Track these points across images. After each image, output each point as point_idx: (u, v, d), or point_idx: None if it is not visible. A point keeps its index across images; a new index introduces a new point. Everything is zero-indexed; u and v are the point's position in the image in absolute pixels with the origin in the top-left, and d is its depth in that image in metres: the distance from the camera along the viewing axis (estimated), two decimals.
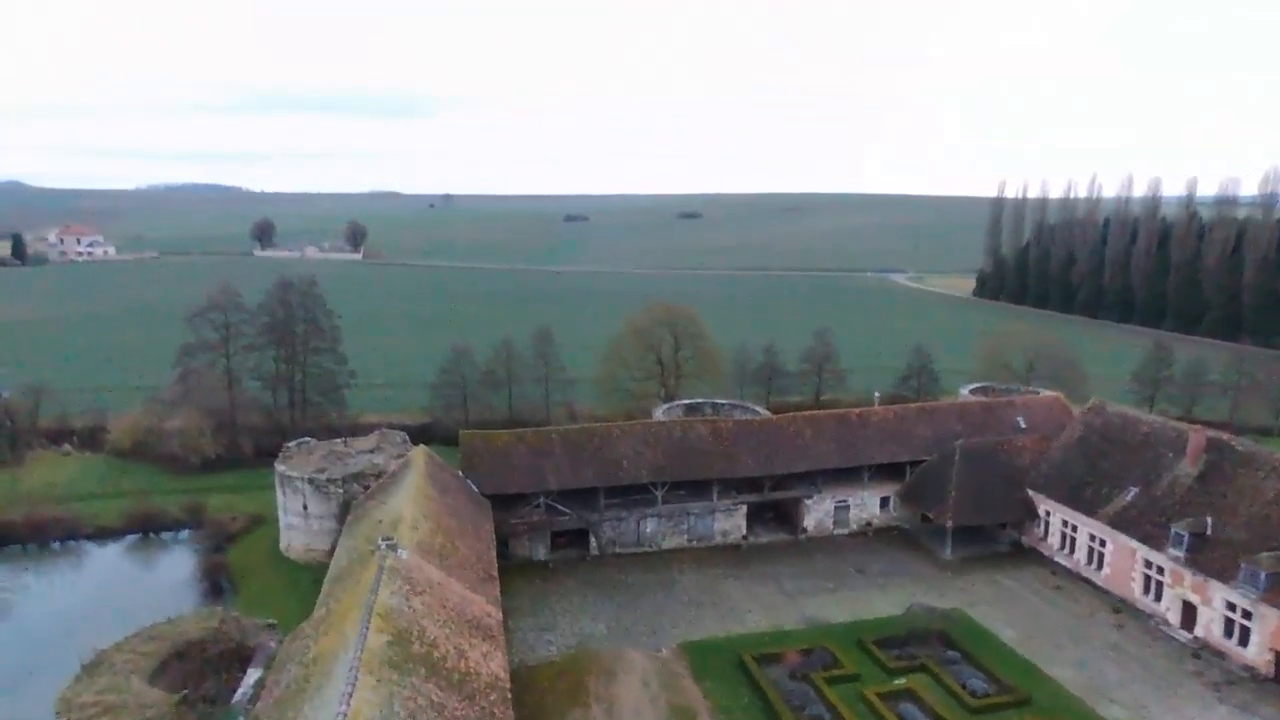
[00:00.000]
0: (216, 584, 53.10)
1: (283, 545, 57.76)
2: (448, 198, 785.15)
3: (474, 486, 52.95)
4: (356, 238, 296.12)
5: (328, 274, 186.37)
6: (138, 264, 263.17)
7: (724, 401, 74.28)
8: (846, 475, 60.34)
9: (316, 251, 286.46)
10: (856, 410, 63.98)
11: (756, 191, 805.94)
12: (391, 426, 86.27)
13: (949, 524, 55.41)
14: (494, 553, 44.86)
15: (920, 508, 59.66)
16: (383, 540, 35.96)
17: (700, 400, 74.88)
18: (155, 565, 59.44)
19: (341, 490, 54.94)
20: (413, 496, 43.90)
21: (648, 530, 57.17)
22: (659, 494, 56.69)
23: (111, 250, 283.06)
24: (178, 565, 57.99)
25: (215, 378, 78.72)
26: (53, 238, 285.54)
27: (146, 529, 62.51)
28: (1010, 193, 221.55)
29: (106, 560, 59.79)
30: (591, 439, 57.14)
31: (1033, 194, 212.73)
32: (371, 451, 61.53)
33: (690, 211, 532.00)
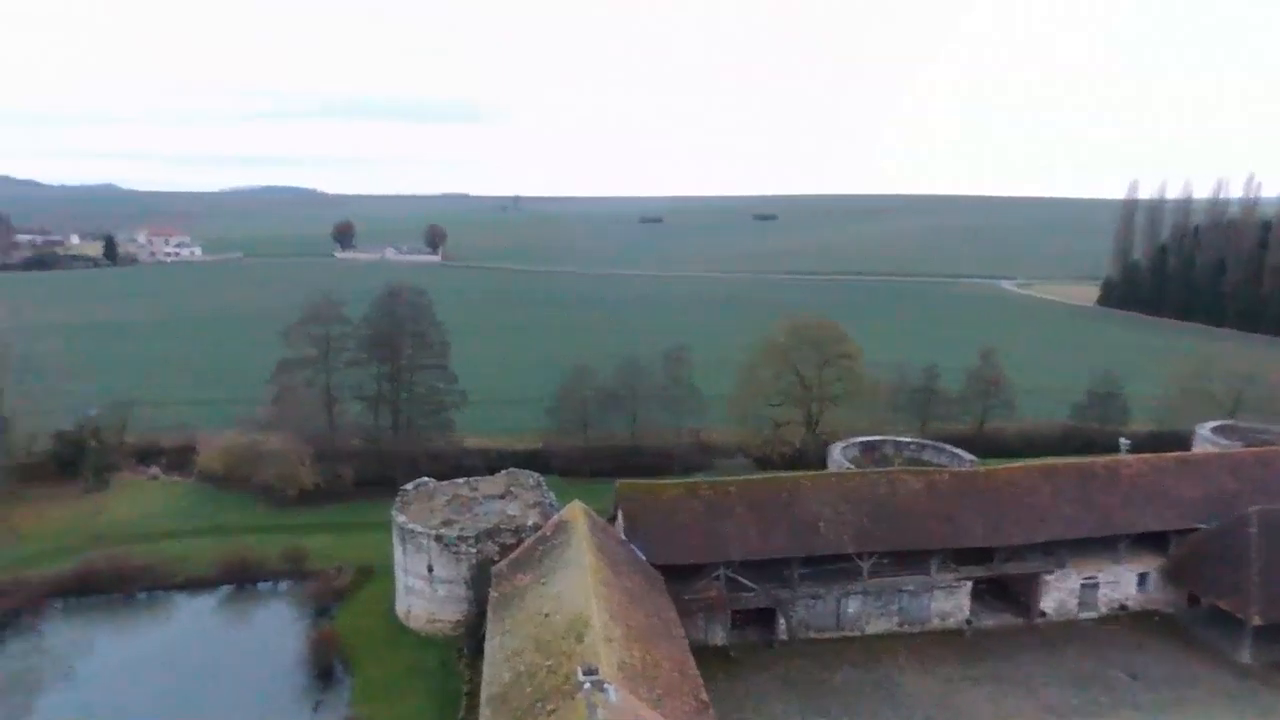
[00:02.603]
0: (327, 665, 43.59)
1: (400, 610, 48.22)
2: (517, 200, 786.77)
3: (639, 553, 42.32)
4: (435, 240, 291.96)
5: (412, 278, 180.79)
6: (223, 265, 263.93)
7: (907, 440, 62.30)
8: (1093, 544, 47.69)
9: (396, 254, 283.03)
10: (1102, 461, 51.02)
11: (831, 193, 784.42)
12: (501, 453, 77.84)
13: (1254, 619, 42.27)
14: (691, 659, 33.98)
15: (1195, 589, 46.61)
16: (584, 674, 25.37)
17: (877, 438, 62.90)
18: (253, 627, 50.48)
19: (475, 550, 45.05)
20: (589, 584, 33.32)
21: (849, 611, 45.58)
22: (865, 566, 45.09)
23: (198, 251, 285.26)
24: (278, 630, 48.84)
25: (313, 397, 70.38)
26: (142, 238, 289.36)
27: (242, 579, 53.83)
28: (1144, 193, 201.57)
29: (197, 618, 51.10)
30: (778, 493, 45.85)
31: (1172, 194, 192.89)
32: (502, 497, 51.63)
33: (766, 213, 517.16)
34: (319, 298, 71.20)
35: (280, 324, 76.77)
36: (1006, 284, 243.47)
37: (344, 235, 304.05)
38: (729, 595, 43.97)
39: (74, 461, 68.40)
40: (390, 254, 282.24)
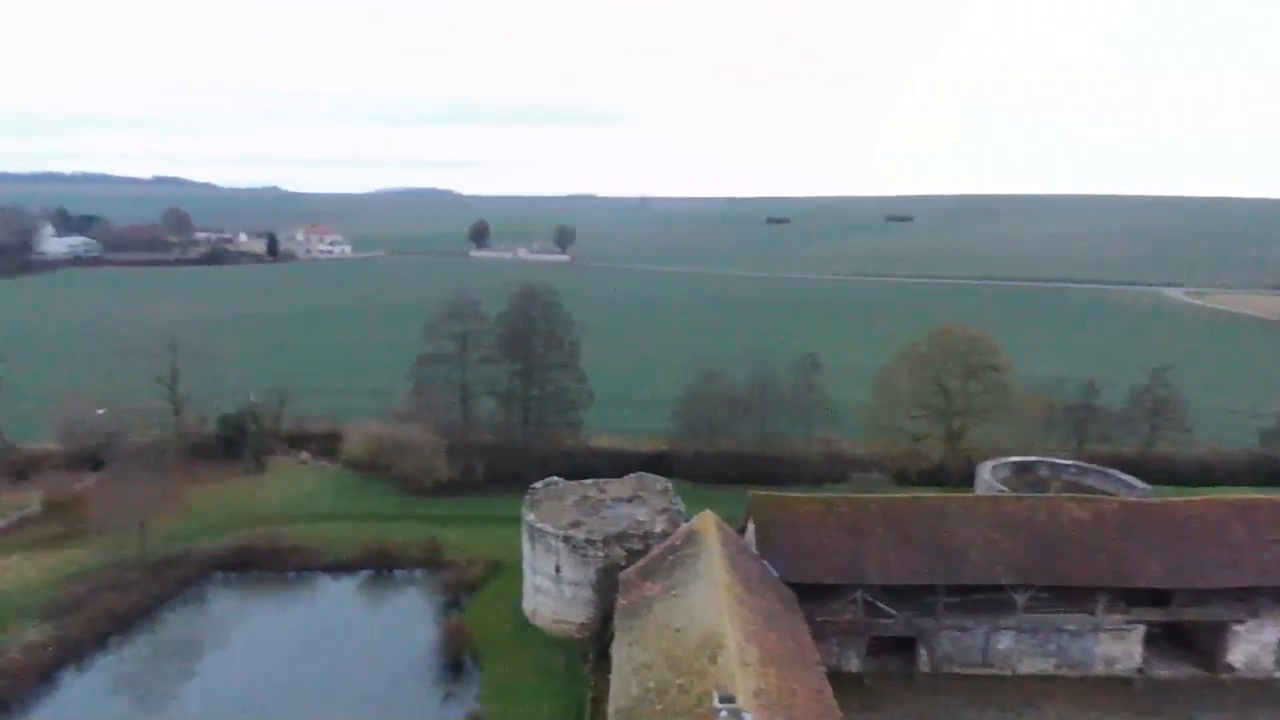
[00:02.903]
0: (457, 657, 44.41)
1: (527, 608, 48.60)
2: (644, 200, 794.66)
3: (771, 569, 40.54)
4: (564, 240, 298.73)
5: (543, 277, 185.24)
6: (368, 261, 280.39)
7: (1065, 462, 57.07)
8: None
9: (527, 253, 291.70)
10: None
11: (969, 192, 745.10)
12: (626, 454, 77.73)
13: None
14: (829, 688, 31.96)
15: None
16: (720, 701, 24.07)
17: (1032, 459, 58.04)
18: (389, 612, 52.37)
19: (602, 554, 44.69)
20: (723, 601, 31.99)
21: (1000, 647, 41.97)
22: (1020, 600, 41.35)
23: (348, 249, 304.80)
24: (412, 617, 50.39)
25: (449, 392, 72.67)
26: (300, 236, 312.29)
27: (381, 565, 56.09)
28: None
29: (340, 599, 53.64)
30: (923, 516, 42.82)
31: None
32: (629, 500, 51.12)
33: (899, 214, 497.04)
34: (457, 296, 73.37)
35: (419, 318, 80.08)
36: (1173, 292, 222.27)
37: (479, 235, 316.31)
38: (866, 620, 41.45)
39: (236, 443, 73.73)
40: (522, 253, 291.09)
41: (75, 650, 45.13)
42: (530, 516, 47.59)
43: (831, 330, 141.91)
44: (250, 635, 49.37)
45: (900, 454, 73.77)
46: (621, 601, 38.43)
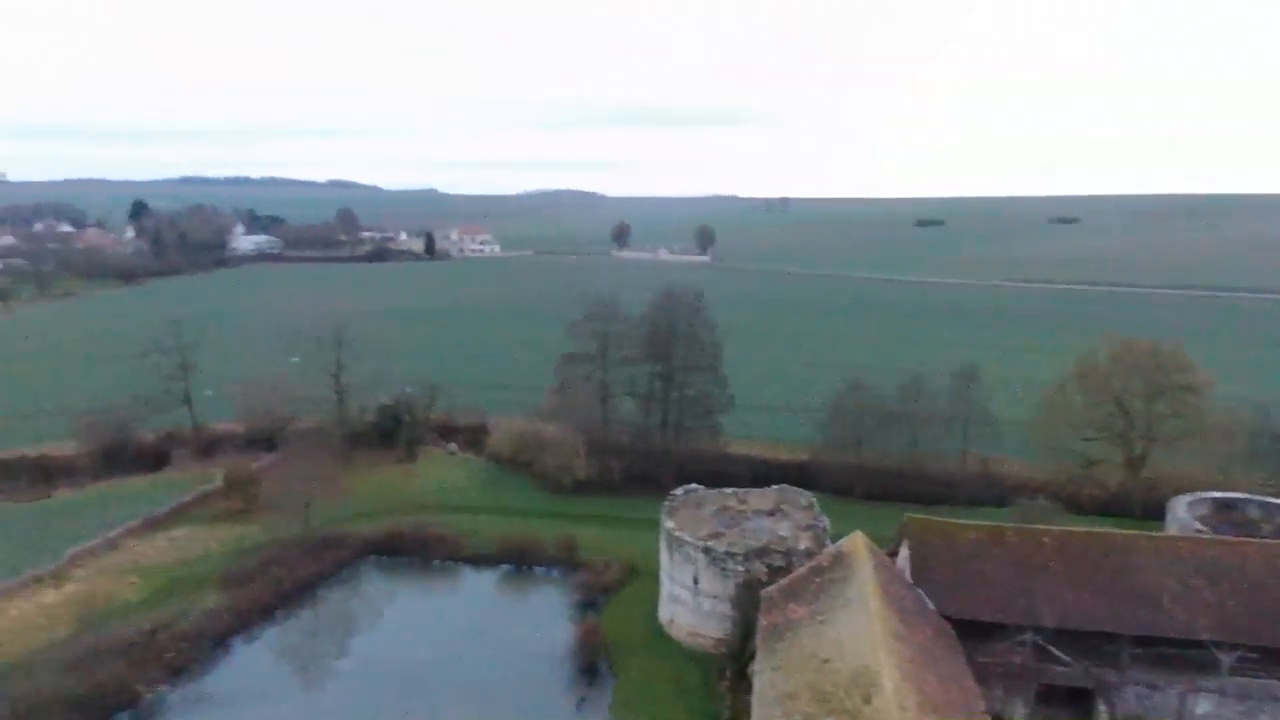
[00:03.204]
0: (591, 661, 44.11)
1: (663, 617, 47.65)
2: (785, 201, 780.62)
3: (928, 601, 37.36)
4: (705, 241, 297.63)
5: (684, 278, 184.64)
6: (516, 260, 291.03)
7: (1278, 501, 49.62)
8: None
9: (667, 253, 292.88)
10: None
11: (1146, 192, 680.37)
12: (766, 462, 75.45)
13: None
14: None
15: None
16: None
17: (1238, 495, 50.95)
18: (527, 608, 53.01)
19: (743, 569, 43.00)
20: (878, 635, 29.54)
21: (1198, 711, 36.70)
22: (1226, 660, 35.99)
23: (497, 248, 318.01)
24: (549, 616, 50.69)
25: (590, 391, 73.19)
26: (454, 236, 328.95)
27: (520, 561, 57.00)
28: None
29: (480, 591, 54.97)
30: (1106, 553, 38.15)
31: None
32: (771, 514, 49.09)
33: (1065, 216, 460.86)
34: (600, 296, 73.76)
35: (563, 316, 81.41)
36: None
37: (621, 235, 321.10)
38: (1037, 665, 37.41)
39: (391, 433, 77.58)
40: (662, 254, 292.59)
41: (245, 620, 48.52)
42: (669, 524, 46.60)
43: (989, 339, 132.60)
44: (398, 618, 51.46)
45: (1069, 479, 67.29)
46: (763, 622, 36.59)
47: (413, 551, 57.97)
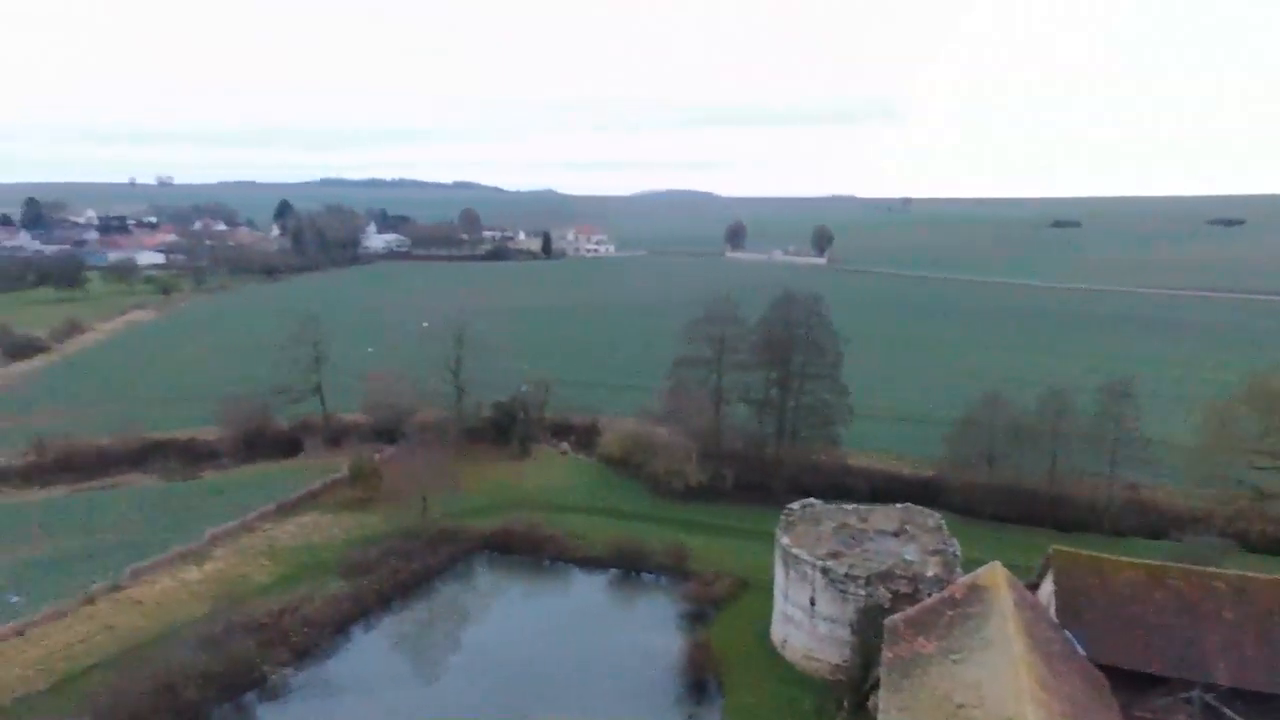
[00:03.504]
0: (700, 677, 42.67)
1: (775, 637, 45.63)
2: (906, 201, 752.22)
3: (1076, 644, 33.72)
4: (822, 242, 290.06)
5: (800, 280, 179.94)
6: (630, 260, 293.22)
7: None
8: None
9: (782, 255, 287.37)
10: None
11: None
12: (886, 476, 71.75)
13: None
14: None
15: None
16: None
17: None
18: (634, 615, 52.25)
19: (864, 593, 40.43)
20: (1023, 683, 26.62)
21: None
22: None
23: (612, 248, 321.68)
24: (657, 625, 49.65)
25: (704, 395, 71.70)
26: (570, 236, 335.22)
27: (629, 566, 56.27)
28: None
29: (589, 594, 54.63)
30: None
31: None
32: (896, 534, 46.08)
33: (1227, 217, 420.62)
34: (717, 299, 72.14)
35: (673, 316, 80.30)
36: None
37: (735, 236, 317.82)
38: None
39: (506, 430, 78.85)
40: (777, 255, 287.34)
41: (364, 607, 50.00)
42: (785, 540, 44.52)
43: (1137, 351, 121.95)
44: (508, 616, 51.78)
45: (1238, 512, 60.29)
46: (888, 654, 34.00)
47: (524, 550, 58.33)
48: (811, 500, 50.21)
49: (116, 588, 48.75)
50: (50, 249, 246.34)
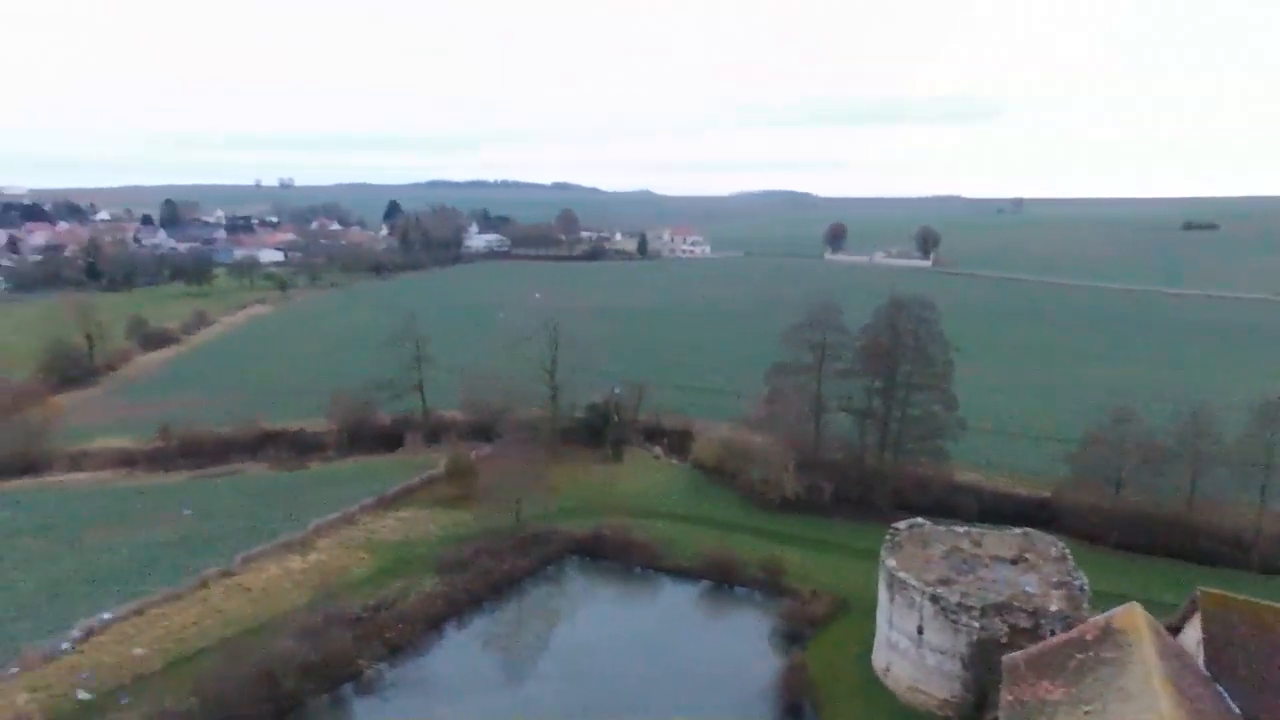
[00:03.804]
0: (795, 702, 40.63)
1: (877, 663, 42.99)
2: (1017, 202, 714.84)
3: (1229, 700, 29.92)
4: (927, 244, 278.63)
5: (905, 283, 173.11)
6: (726, 261, 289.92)
7: None
8: None
9: (884, 257, 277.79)
10: None
11: None
12: (997, 495, 67.38)
13: None
14: None
15: None
16: None
17: None
18: (727, 631, 50.49)
19: (978, 625, 37.41)
20: None
21: None
22: None
23: (708, 249, 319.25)
24: (750, 643, 47.85)
25: (802, 404, 69.07)
26: (666, 236, 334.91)
27: (722, 579, 54.56)
28: None
29: (680, 606, 53.29)
30: None
31: None
32: (1013, 562, 42.64)
33: None
34: (819, 303, 69.38)
35: (771, 319, 77.81)
36: None
37: (835, 237, 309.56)
38: None
39: (599, 431, 78.42)
40: (879, 257, 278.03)
41: (456, 607, 50.27)
42: (891, 562, 41.83)
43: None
44: (598, 623, 51.06)
45: None
46: (1007, 695, 31.10)
47: (614, 556, 57.52)
48: (919, 520, 47.19)
49: (228, 573, 50.78)
50: (183, 246, 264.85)
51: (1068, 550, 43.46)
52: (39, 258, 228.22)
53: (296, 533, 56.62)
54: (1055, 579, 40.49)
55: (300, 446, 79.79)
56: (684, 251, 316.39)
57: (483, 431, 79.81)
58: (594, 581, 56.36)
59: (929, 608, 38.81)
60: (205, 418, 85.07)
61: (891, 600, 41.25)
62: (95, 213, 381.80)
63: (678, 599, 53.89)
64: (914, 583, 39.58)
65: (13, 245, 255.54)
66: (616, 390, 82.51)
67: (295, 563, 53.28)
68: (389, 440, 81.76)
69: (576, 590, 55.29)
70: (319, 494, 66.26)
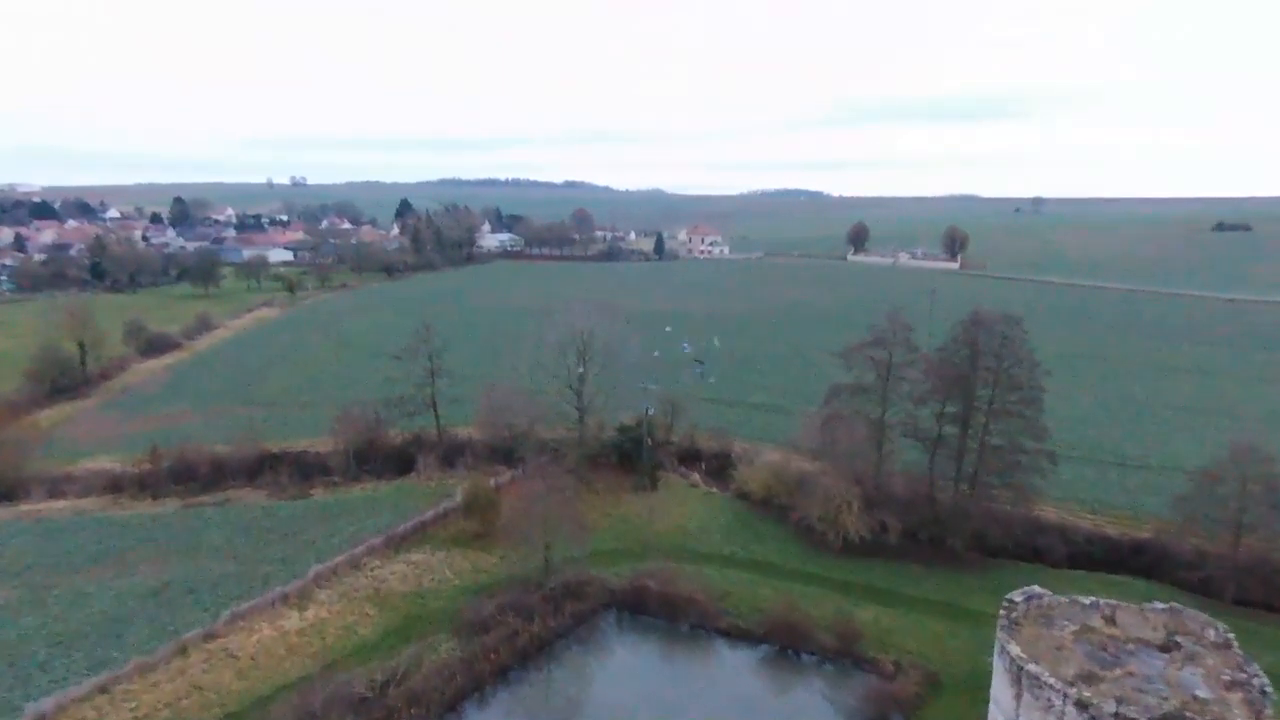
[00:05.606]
0: None
1: None
2: (1037, 201, 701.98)
3: None
4: (954, 245, 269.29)
5: (931, 284, 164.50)
6: (746, 262, 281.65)
7: None
8: None
9: (909, 259, 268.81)
10: None
11: None
12: (1089, 536, 59.60)
13: None
14: None
15: None
16: None
17: None
18: (796, 711, 42.77)
19: None
20: None
21: None
22: None
23: (726, 249, 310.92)
24: None
25: (865, 432, 61.27)
26: (682, 236, 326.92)
27: (786, 643, 46.89)
28: None
29: (736, 676, 45.63)
30: None
31: None
32: (1163, 649, 34.69)
33: None
34: (887, 317, 61.46)
35: (811, 329, 70.05)
36: None
37: (857, 238, 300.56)
38: None
39: (631, 455, 70.84)
40: (904, 258, 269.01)
41: (478, 679, 42.95)
42: (1014, 649, 33.90)
43: None
44: (641, 698, 43.39)
45: None
46: None
47: (659, 612, 49.95)
48: (1037, 591, 39.20)
49: (211, 635, 43.59)
50: (192, 245, 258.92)
51: (1231, 636, 35.44)
52: (44, 257, 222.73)
53: (294, 581, 49.36)
54: (1224, 675, 32.51)
55: (303, 470, 72.52)
56: (702, 252, 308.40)
57: (503, 453, 72.48)
58: (636, 643, 48.83)
59: (1074, 715, 30.93)
60: (203, 434, 78.10)
61: (1018, 698, 33.36)
62: (105, 210, 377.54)
63: (735, 667, 46.31)
64: (1053, 682, 31.69)
65: (19, 244, 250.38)
66: (649, 410, 74.73)
67: (291, 621, 46.04)
68: (399, 463, 74.33)
69: (617, 658, 47.70)
70: (321, 529, 59.10)
